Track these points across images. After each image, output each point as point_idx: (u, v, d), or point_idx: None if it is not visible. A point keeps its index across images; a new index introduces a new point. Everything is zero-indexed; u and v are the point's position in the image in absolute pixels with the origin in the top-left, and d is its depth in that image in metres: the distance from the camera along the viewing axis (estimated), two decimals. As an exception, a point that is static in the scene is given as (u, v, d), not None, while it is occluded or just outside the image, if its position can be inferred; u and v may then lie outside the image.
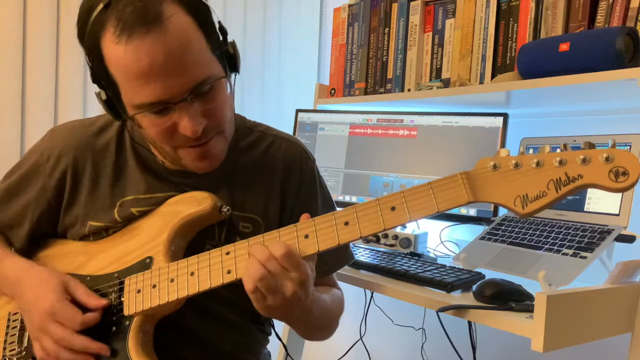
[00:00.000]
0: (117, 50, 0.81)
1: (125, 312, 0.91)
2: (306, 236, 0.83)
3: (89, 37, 0.84)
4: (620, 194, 1.22)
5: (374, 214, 0.80)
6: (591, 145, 0.70)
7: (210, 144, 0.91)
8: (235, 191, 1.00)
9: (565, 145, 0.72)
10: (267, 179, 1.04)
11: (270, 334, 1.13)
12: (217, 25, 0.89)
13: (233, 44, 0.92)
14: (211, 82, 0.86)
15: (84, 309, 0.91)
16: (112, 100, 0.88)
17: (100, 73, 0.86)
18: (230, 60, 0.92)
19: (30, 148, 1.06)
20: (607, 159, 0.68)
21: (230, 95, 0.93)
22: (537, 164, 0.72)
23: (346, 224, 0.81)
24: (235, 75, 0.94)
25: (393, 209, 0.79)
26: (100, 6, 0.82)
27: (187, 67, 0.83)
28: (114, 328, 0.92)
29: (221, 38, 0.90)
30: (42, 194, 1.01)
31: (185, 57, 0.82)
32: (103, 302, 0.91)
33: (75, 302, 0.91)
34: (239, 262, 0.85)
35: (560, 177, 0.70)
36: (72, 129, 1.03)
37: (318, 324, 0.98)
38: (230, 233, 1.00)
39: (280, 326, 1.38)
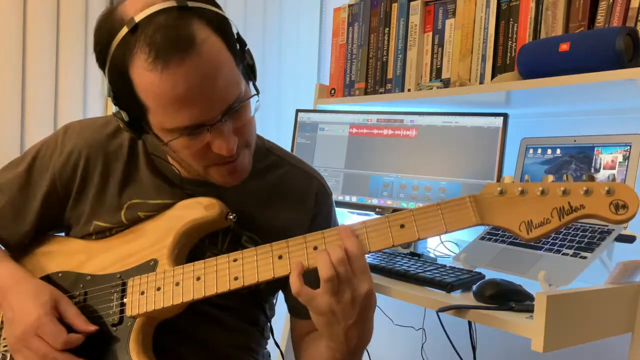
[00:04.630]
0: (151, 78, 0.79)
1: (128, 313, 0.91)
2: (315, 248, 0.83)
3: (114, 61, 0.82)
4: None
5: (383, 231, 0.82)
6: (593, 178, 0.75)
7: (239, 159, 0.91)
8: (243, 208, 1.00)
9: (567, 176, 0.76)
10: (276, 207, 1.03)
11: (269, 336, 1.13)
12: (236, 37, 0.88)
13: (249, 52, 0.91)
14: (243, 101, 0.86)
15: (70, 330, 0.90)
16: (135, 121, 0.87)
17: (125, 97, 0.84)
18: (249, 69, 0.91)
19: (38, 142, 1.05)
20: (608, 191, 0.73)
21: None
22: (542, 192, 0.76)
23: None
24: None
25: (402, 226, 0.81)
26: (125, 30, 0.80)
27: (222, 89, 0.82)
28: (115, 328, 0.92)
29: (240, 49, 0.89)
30: (51, 188, 1.01)
31: (219, 79, 0.81)
32: (91, 327, 0.90)
33: (63, 322, 0.90)
34: (246, 270, 0.85)
35: (564, 206, 0.75)
36: (87, 127, 1.03)
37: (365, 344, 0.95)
38: (232, 244, 1.00)
39: (278, 330, 1.38)
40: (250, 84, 0.92)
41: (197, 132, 0.84)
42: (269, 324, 1.12)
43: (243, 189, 0.98)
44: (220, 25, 0.84)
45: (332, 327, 0.82)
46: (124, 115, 0.87)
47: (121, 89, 0.84)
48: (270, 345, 1.16)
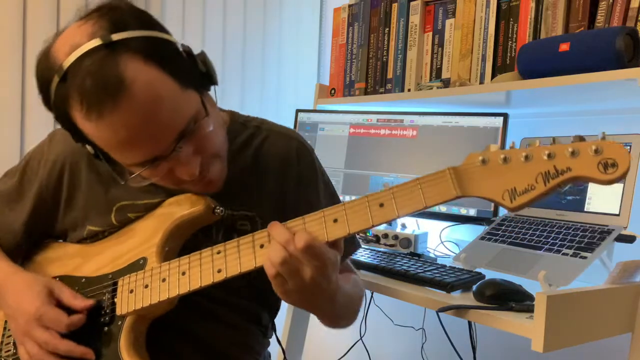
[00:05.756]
0: (90, 127, 0.78)
1: (118, 312, 0.91)
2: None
3: (56, 109, 0.81)
4: (620, 193, 1.22)
5: (362, 211, 0.79)
6: (581, 138, 0.70)
7: (210, 172, 0.89)
8: (230, 191, 0.99)
9: (554, 139, 0.71)
10: (262, 176, 1.03)
11: (271, 336, 1.13)
12: (180, 48, 0.83)
13: (202, 58, 0.87)
14: (197, 121, 0.83)
15: (71, 312, 0.91)
16: (100, 155, 0.86)
17: (79, 138, 0.84)
18: (204, 77, 0.87)
19: (30, 150, 1.05)
20: (596, 151, 0.68)
21: (216, 114, 0.91)
22: (526, 157, 0.71)
23: (335, 220, 0.81)
24: (215, 87, 0.90)
25: (381, 205, 0.78)
26: (56, 79, 0.78)
27: (168, 121, 0.79)
28: (106, 328, 0.92)
29: (190, 60, 0.85)
30: (39, 198, 1.01)
31: (162, 112, 0.78)
32: (88, 302, 0.91)
33: (61, 306, 0.91)
34: (229, 261, 0.85)
35: (549, 170, 0.70)
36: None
37: (342, 312, 0.97)
38: (227, 232, 1.00)
39: (280, 328, 1.38)
40: (212, 89, 0.89)
41: (156, 163, 0.83)
42: (271, 324, 1.12)
43: (229, 169, 0.97)
44: (153, 50, 0.78)
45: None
46: (89, 149, 0.85)
47: (72, 132, 0.83)
48: (272, 345, 1.16)
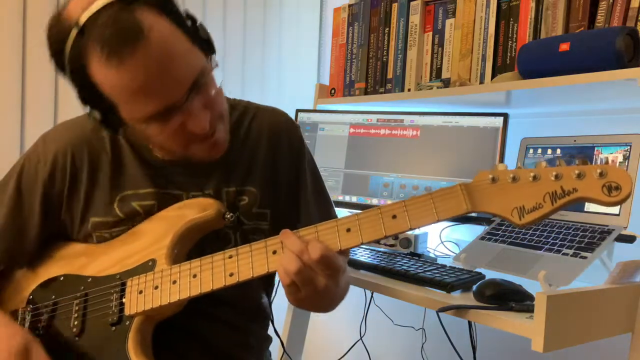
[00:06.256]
0: (109, 75, 0.81)
1: (127, 312, 0.91)
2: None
3: (72, 65, 0.83)
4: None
5: (375, 222, 0.82)
6: (585, 162, 0.74)
7: (216, 133, 0.93)
8: (227, 169, 1.02)
9: (560, 161, 0.76)
10: (254, 151, 1.06)
11: (269, 324, 1.14)
12: (184, 14, 0.89)
13: (202, 26, 0.92)
14: (206, 75, 0.87)
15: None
16: (108, 118, 0.88)
17: (92, 97, 0.86)
18: (205, 43, 0.91)
19: (21, 157, 1.04)
20: (600, 174, 0.72)
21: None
22: (534, 177, 0.76)
23: (348, 230, 0.83)
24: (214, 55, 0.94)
25: (394, 217, 0.82)
26: (74, 33, 0.81)
27: (181, 69, 0.84)
28: (113, 328, 0.92)
29: (192, 26, 0.89)
30: (46, 199, 1.00)
31: (175, 60, 0.83)
32: None
33: None
34: (241, 265, 0.86)
35: (556, 190, 0.74)
36: (65, 128, 1.03)
37: (337, 302, 1.00)
38: (230, 210, 1.00)
39: (280, 326, 1.38)
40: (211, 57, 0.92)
41: (168, 115, 0.85)
42: (272, 317, 1.12)
43: (225, 154, 0.98)
44: (165, 6, 0.84)
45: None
46: (96, 114, 0.88)
47: (86, 91, 0.86)
48: (272, 343, 1.16)
